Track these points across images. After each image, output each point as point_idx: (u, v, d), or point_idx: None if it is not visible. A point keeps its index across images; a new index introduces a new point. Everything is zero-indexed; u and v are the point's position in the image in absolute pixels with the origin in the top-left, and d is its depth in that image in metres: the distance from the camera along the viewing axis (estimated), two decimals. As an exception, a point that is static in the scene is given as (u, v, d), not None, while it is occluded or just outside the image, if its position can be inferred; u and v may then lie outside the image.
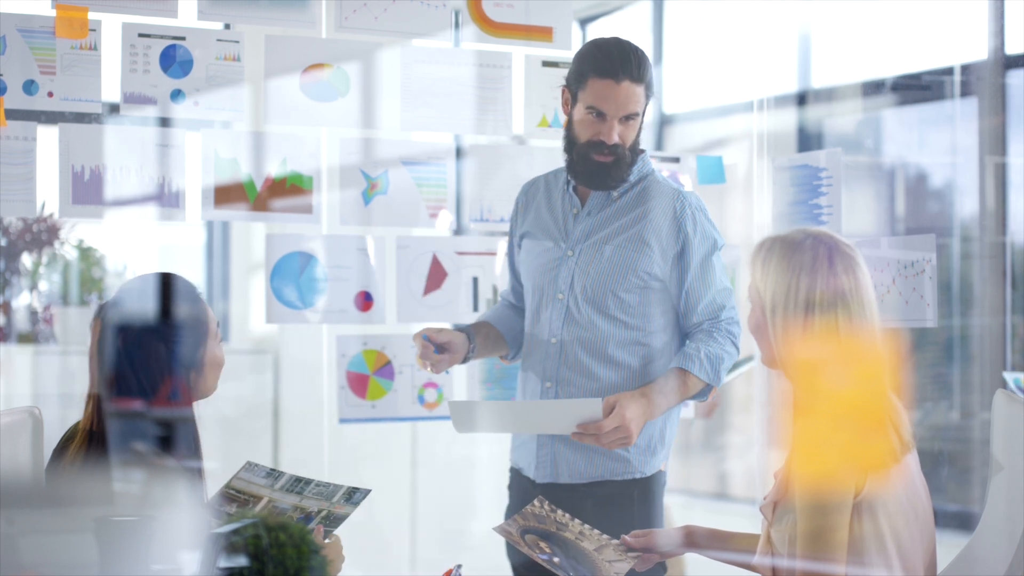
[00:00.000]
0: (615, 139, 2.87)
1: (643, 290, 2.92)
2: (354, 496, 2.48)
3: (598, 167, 2.91)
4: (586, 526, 2.64)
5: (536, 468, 2.97)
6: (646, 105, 2.92)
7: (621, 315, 2.92)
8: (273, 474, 2.51)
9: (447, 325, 3.26)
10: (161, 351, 2.45)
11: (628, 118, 2.88)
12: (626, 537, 2.63)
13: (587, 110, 2.88)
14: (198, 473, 2.47)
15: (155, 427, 2.44)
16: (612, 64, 2.85)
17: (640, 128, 2.93)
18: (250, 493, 2.48)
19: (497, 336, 3.09)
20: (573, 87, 2.93)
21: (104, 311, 2.50)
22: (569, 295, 2.95)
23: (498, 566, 3.09)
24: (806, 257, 2.36)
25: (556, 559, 2.53)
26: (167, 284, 2.53)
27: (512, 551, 3.04)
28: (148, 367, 2.44)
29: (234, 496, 2.47)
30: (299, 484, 2.50)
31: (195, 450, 2.48)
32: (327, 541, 2.42)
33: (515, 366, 3.20)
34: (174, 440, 2.44)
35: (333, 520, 2.45)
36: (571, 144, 2.94)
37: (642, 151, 3.00)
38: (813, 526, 2.27)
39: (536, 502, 2.67)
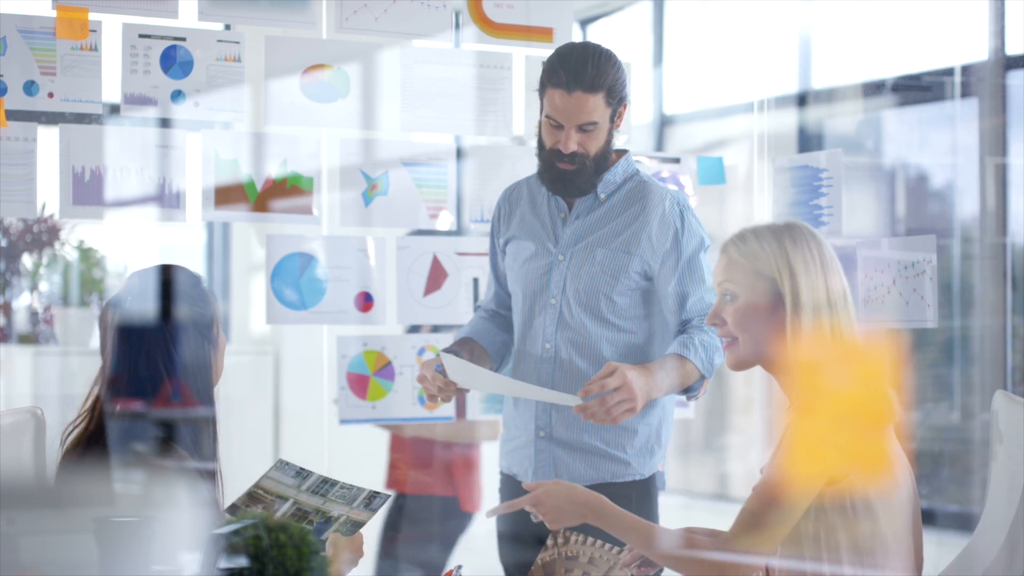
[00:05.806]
0: (571, 148, 2.86)
1: (635, 292, 2.91)
2: (373, 502, 2.48)
3: (561, 174, 2.91)
4: (596, 547, 2.62)
5: (534, 473, 2.96)
6: (615, 112, 2.89)
7: (614, 318, 2.91)
8: (302, 474, 2.52)
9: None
10: (169, 350, 2.44)
11: (587, 127, 2.86)
12: (622, 557, 2.59)
13: (546, 118, 2.89)
14: (211, 475, 2.45)
15: (155, 427, 2.43)
16: (565, 74, 2.83)
17: (610, 135, 2.90)
18: (277, 494, 2.48)
19: (482, 351, 3.07)
20: (540, 93, 2.93)
21: (111, 309, 2.47)
22: (562, 299, 2.94)
23: (498, 567, 3.09)
24: (829, 253, 2.33)
25: None
26: (169, 277, 2.51)
27: (504, 552, 3.04)
28: (156, 367, 2.41)
29: (261, 497, 2.48)
30: (325, 485, 2.50)
31: (214, 451, 2.45)
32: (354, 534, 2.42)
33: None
34: (188, 440, 2.42)
35: (352, 527, 2.45)
36: (540, 150, 2.94)
37: (625, 151, 2.99)
38: (756, 510, 2.26)
39: (549, 541, 2.64)
